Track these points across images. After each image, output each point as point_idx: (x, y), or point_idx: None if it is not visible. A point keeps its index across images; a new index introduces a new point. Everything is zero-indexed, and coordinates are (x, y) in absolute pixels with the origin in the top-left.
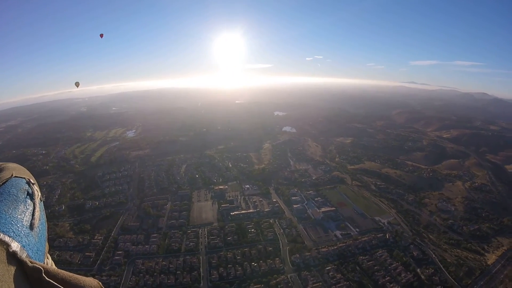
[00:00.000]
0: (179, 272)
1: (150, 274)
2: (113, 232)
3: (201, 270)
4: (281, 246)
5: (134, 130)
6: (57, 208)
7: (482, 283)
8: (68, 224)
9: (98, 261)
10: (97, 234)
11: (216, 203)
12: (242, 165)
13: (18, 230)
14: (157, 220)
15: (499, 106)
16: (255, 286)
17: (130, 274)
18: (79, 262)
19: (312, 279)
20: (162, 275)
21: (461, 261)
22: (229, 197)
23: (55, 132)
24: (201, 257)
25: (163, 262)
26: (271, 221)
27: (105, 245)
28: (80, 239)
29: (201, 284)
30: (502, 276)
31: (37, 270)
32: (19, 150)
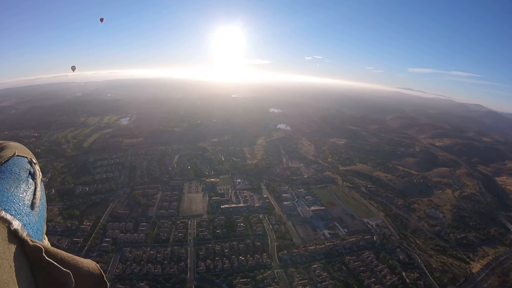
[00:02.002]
0: (166, 262)
1: (137, 263)
2: (102, 219)
3: (188, 261)
4: (269, 242)
5: (128, 118)
6: (47, 192)
7: None
8: (57, 209)
9: (86, 247)
10: (85, 220)
11: (207, 195)
12: (235, 159)
13: (20, 209)
14: (147, 209)
15: (493, 118)
16: (242, 280)
17: (117, 261)
18: (67, 247)
19: (298, 276)
20: (149, 264)
21: (446, 268)
22: (220, 190)
23: (49, 115)
24: (189, 248)
25: (151, 251)
26: (260, 216)
27: (93, 231)
28: (69, 224)
29: (188, 275)
30: (486, 285)
31: (37, 249)
32: (12, 131)
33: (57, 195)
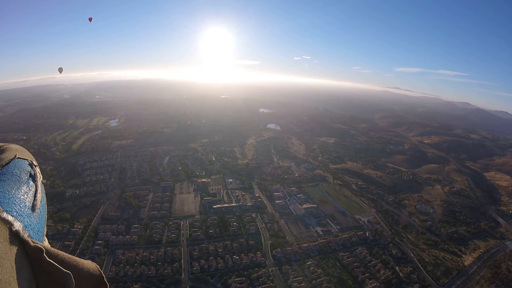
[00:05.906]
0: (160, 263)
1: (131, 265)
2: (93, 222)
3: (182, 261)
4: (262, 240)
5: (117, 120)
6: None
7: (459, 282)
8: (47, 212)
9: (78, 251)
10: (76, 223)
11: (199, 195)
12: (225, 159)
13: (21, 210)
14: (139, 210)
15: (480, 116)
16: (237, 279)
17: (110, 264)
18: None
19: (293, 273)
20: (142, 266)
21: (439, 261)
22: (212, 190)
23: (37, 118)
24: (182, 249)
25: (144, 253)
26: (253, 215)
27: (84, 234)
28: (60, 228)
29: (182, 276)
30: (478, 277)
31: (38, 250)
32: None
33: (47, 198)
